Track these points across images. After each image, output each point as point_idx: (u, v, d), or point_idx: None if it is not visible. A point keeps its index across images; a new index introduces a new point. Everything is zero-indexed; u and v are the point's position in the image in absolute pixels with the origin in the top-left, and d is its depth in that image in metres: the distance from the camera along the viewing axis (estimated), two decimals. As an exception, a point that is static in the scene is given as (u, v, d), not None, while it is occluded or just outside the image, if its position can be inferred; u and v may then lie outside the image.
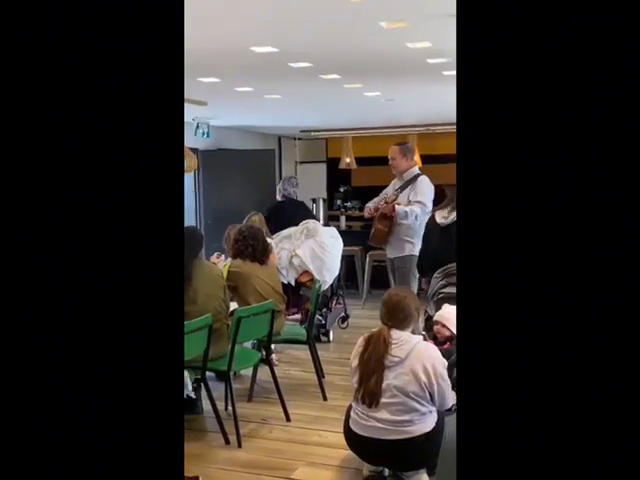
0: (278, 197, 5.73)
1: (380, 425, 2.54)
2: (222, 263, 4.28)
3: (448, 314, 3.21)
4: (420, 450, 2.50)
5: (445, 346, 3.04)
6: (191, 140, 6.97)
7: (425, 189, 4.61)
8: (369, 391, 2.54)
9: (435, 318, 3.23)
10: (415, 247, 4.64)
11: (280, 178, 10.27)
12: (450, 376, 2.56)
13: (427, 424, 2.52)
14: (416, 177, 4.68)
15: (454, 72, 4.79)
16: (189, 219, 8.29)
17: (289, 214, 5.34)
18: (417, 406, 2.51)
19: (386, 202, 4.62)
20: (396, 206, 4.52)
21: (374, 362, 2.54)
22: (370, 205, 4.91)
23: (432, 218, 3.94)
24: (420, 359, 2.52)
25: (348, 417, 2.71)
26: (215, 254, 4.39)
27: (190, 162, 5.26)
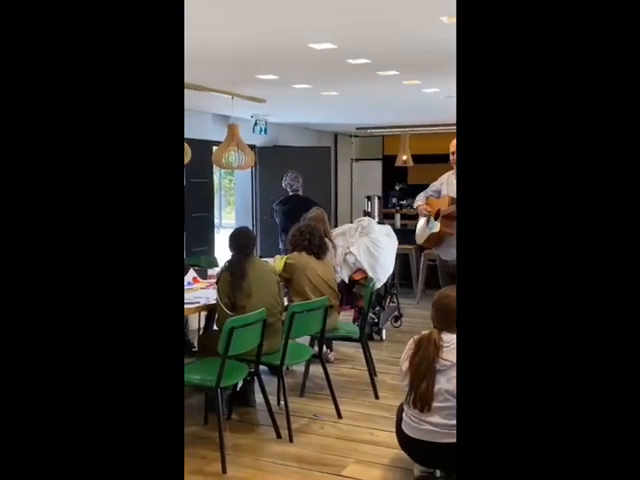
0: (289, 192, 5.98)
1: (433, 429, 2.50)
2: (276, 260, 4.31)
3: None
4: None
5: None
6: (249, 136, 7.06)
7: None
8: (421, 396, 2.50)
9: None
10: None
11: (336, 175, 10.31)
12: None
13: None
14: None
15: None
16: (246, 214, 8.41)
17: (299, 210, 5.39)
18: None
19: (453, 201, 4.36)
20: None
21: (425, 366, 2.50)
22: (420, 203, 4.69)
23: None
24: None
25: (400, 419, 2.68)
26: (278, 257, 4.42)
27: (247, 158, 5.32)
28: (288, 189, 6.02)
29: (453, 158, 4.48)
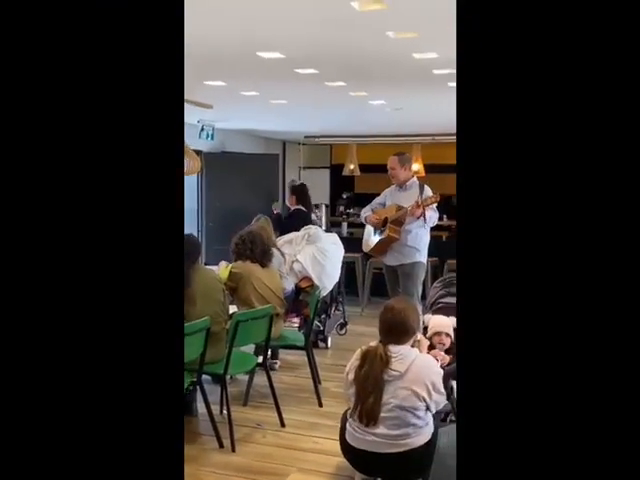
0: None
1: (377, 439, 2.52)
2: (221, 267, 4.28)
3: (444, 321, 3.23)
4: (417, 462, 2.50)
5: (448, 360, 3.06)
6: (195, 142, 6.99)
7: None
8: (367, 411, 2.51)
9: (438, 329, 3.24)
10: (422, 255, 4.65)
11: (284, 183, 10.32)
12: (445, 387, 2.56)
13: (424, 436, 2.51)
14: (422, 185, 4.69)
15: (460, 83, 4.80)
16: (191, 220, 8.31)
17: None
18: (414, 420, 2.50)
19: (418, 205, 4.45)
20: (426, 211, 4.44)
21: (372, 382, 2.51)
22: (368, 214, 4.90)
23: None
24: (419, 373, 2.51)
25: (344, 428, 2.70)
26: (223, 263, 4.39)
27: (194, 164, 5.27)
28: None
29: (391, 173, 4.70)
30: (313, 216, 5.91)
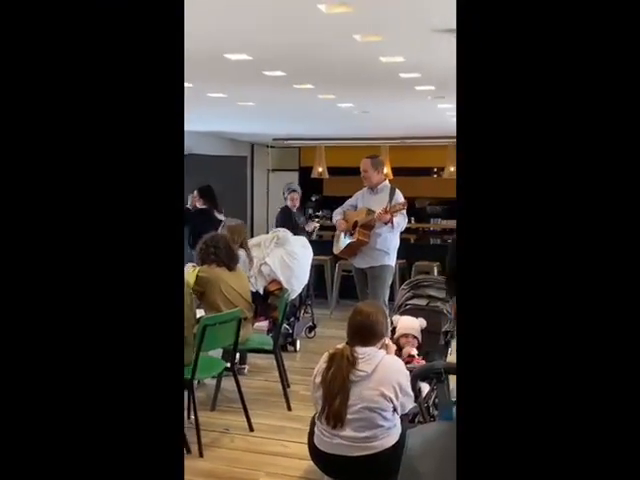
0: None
1: (345, 442, 2.52)
2: (187, 270, 4.23)
3: (412, 323, 3.26)
4: (385, 464, 2.50)
5: (415, 360, 3.08)
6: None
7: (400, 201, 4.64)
8: (334, 412, 2.51)
9: (405, 331, 3.25)
10: (391, 258, 4.68)
11: (252, 185, 10.28)
12: (413, 389, 2.57)
13: (391, 438, 2.52)
14: (393, 189, 4.72)
15: (426, 87, 4.86)
16: (158, 224, 8.20)
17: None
18: (381, 422, 2.51)
19: (386, 211, 4.47)
20: (394, 217, 4.48)
21: (338, 383, 2.50)
22: (339, 218, 4.91)
23: None
24: (386, 374, 2.52)
25: (312, 432, 2.69)
26: (189, 265, 4.34)
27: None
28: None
29: (364, 175, 4.71)
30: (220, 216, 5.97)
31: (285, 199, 6.06)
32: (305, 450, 2.80)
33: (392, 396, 2.48)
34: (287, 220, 5.87)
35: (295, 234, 5.17)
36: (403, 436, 2.51)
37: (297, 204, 6.03)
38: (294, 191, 6.08)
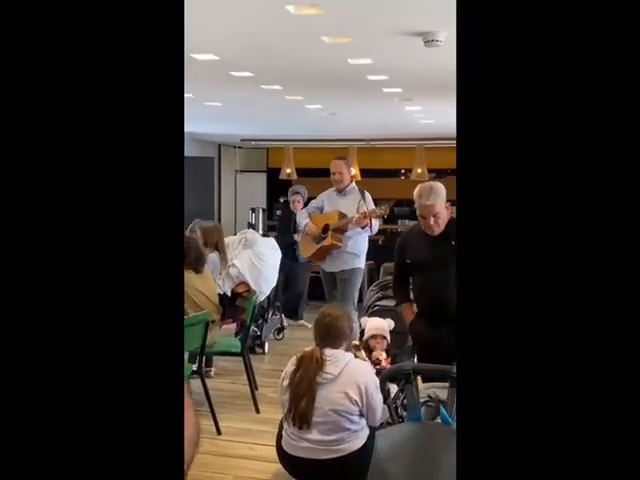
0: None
1: (312, 446, 2.51)
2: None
3: (380, 324, 3.27)
4: (353, 467, 2.50)
5: (383, 363, 3.09)
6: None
7: (372, 204, 4.63)
8: (300, 414, 2.51)
9: (374, 332, 3.26)
10: (361, 260, 4.67)
11: (219, 187, 10.20)
12: (382, 390, 2.58)
13: (358, 441, 2.52)
14: (362, 191, 4.71)
15: (394, 89, 4.89)
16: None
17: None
18: (348, 425, 2.51)
19: (365, 215, 4.40)
20: (373, 220, 4.45)
21: (305, 385, 2.51)
22: (307, 222, 4.80)
23: None
24: (353, 376, 2.52)
25: (280, 434, 2.68)
26: None
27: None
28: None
29: (337, 177, 4.66)
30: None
31: (291, 202, 6.00)
32: (274, 453, 2.79)
33: (357, 398, 2.48)
34: (285, 223, 5.76)
35: (294, 238, 5.09)
36: (371, 439, 2.51)
37: (299, 207, 5.82)
38: (297, 193, 5.99)
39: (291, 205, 5.97)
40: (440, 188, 2.85)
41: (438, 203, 2.81)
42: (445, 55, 3.22)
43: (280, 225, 5.92)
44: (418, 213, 2.89)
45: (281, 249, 5.15)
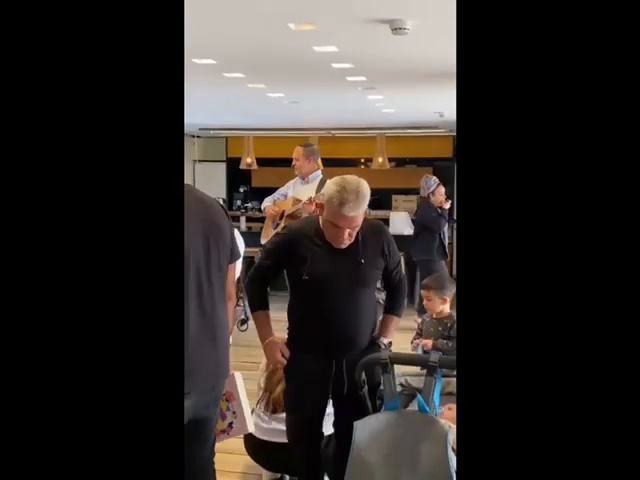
0: None
1: (280, 427, 2.50)
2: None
3: None
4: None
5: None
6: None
7: None
8: (274, 399, 2.51)
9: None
10: None
11: (178, 176, 10.00)
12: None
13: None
14: (323, 180, 4.69)
15: (358, 78, 4.88)
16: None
17: None
18: None
19: (311, 201, 4.43)
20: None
21: (281, 372, 2.48)
22: (268, 204, 4.83)
23: None
24: None
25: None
26: None
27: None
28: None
29: (295, 164, 4.65)
30: None
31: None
32: (243, 445, 2.76)
33: None
34: None
35: None
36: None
37: None
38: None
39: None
40: (366, 191, 2.16)
41: (361, 213, 2.15)
42: (412, 43, 3.22)
43: None
44: (330, 220, 2.13)
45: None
